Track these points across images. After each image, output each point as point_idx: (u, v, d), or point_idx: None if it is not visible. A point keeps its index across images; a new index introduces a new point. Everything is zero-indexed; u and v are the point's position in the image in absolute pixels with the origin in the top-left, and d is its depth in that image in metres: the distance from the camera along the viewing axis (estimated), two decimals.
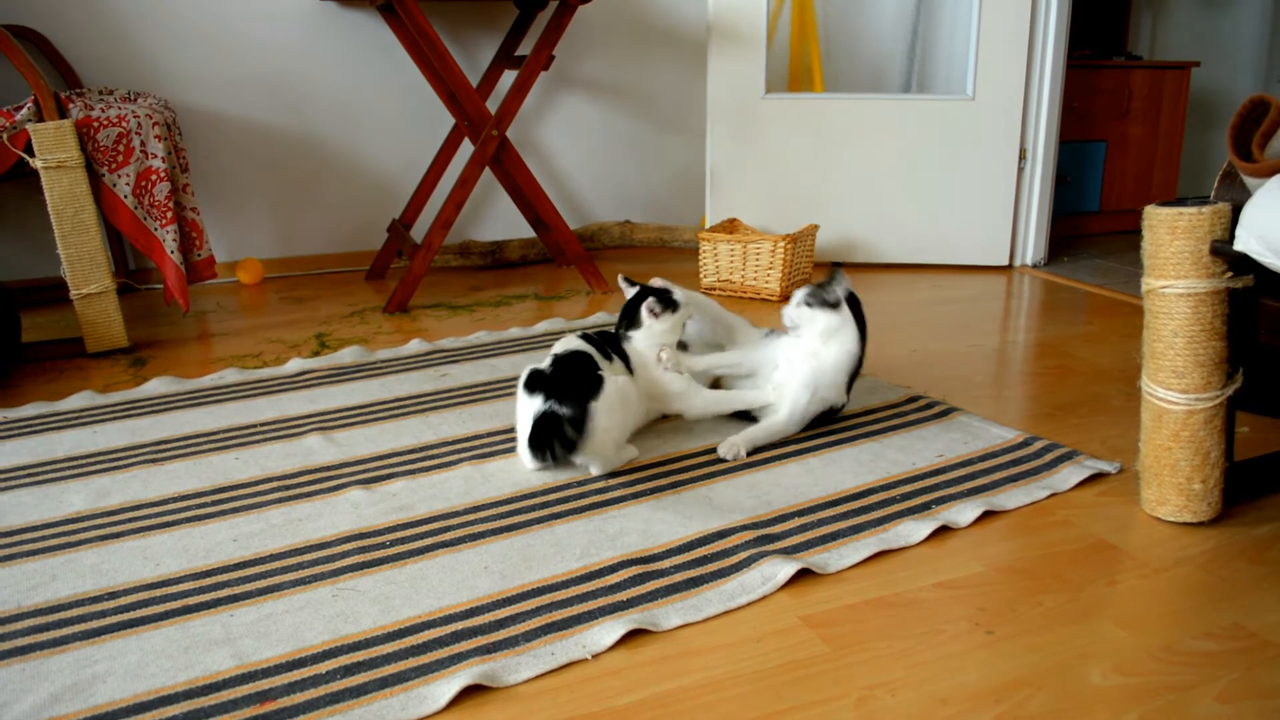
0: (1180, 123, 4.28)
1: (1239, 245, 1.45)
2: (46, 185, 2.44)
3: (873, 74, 4.04)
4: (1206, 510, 1.61)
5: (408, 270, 3.02)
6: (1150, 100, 4.19)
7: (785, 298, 3.11)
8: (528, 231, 3.79)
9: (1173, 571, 1.49)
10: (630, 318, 1.98)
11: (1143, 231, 1.56)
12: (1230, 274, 1.50)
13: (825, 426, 2.02)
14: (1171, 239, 1.51)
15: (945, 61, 3.76)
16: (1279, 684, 1.22)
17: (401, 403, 2.20)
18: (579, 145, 3.91)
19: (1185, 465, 1.58)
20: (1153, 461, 1.62)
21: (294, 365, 2.46)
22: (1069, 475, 1.79)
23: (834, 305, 1.96)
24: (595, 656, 1.28)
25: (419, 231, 3.50)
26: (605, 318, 2.88)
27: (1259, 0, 4.94)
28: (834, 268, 2.02)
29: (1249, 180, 1.53)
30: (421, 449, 1.94)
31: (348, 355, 2.54)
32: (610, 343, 1.94)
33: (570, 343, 1.90)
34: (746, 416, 2.01)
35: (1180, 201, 1.52)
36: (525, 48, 3.47)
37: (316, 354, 2.58)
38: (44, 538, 1.60)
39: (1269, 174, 1.47)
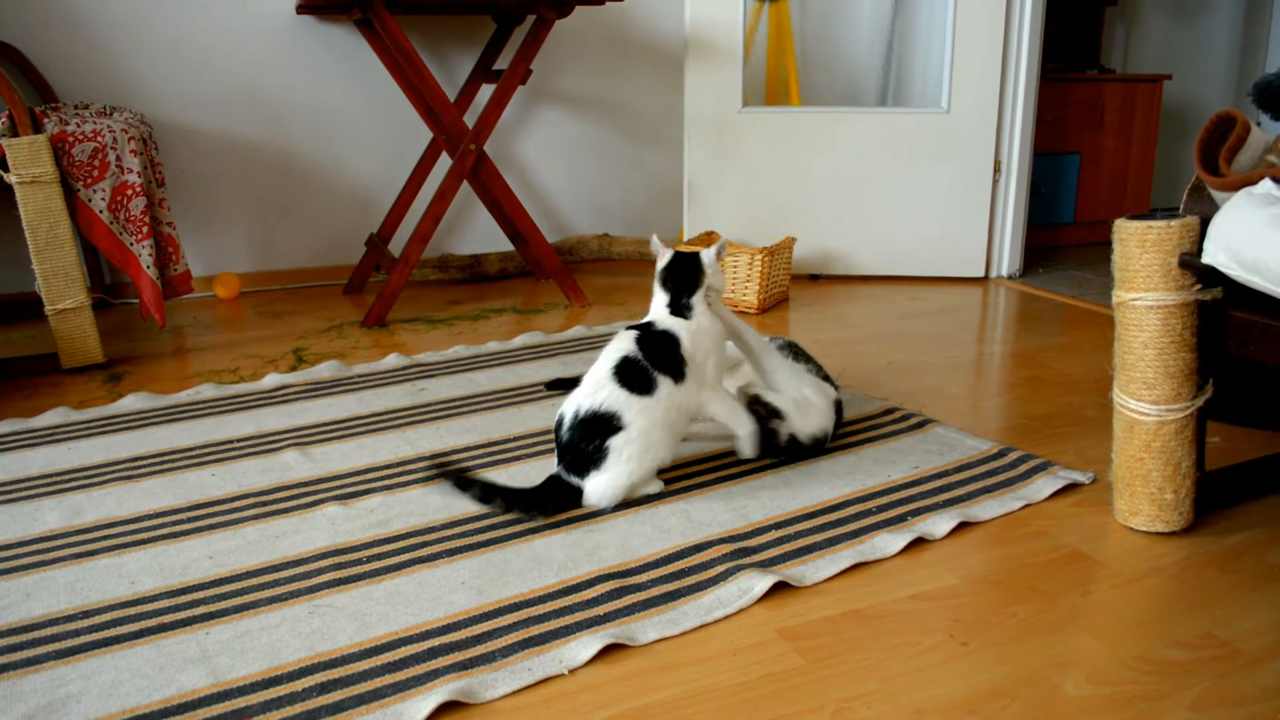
0: (1153, 135, 4.33)
1: (1207, 258, 1.47)
2: (21, 200, 2.43)
3: (849, 87, 4.07)
4: (1178, 520, 1.62)
5: (385, 284, 3.01)
6: (1123, 113, 4.24)
7: (763, 310, 3.13)
8: (506, 245, 3.79)
9: (1145, 581, 1.50)
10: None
11: (1113, 244, 1.58)
12: (1199, 286, 1.52)
13: None
14: (1141, 252, 1.52)
15: (920, 75, 3.79)
16: (1250, 692, 1.24)
17: (379, 418, 2.20)
18: (557, 159, 3.92)
19: (1157, 475, 1.59)
20: (1125, 472, 1.63)
21: (271, 380, 2.45)
22: (1043, 486, 1.80)
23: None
24: (572, 671, 1.29)
25: (397, 245, 3.50)
26: (583, 331, 2.88)
27: (1230, 15, 5.01)
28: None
29: (1216, 194, 1.55)
30: (399, 464, 1.94)
31: (325, 370, 2.53)
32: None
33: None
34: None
35: (1150, 215, 1.54)
36: (503, 62, 3.48)
37: (294, 369, 2.57)
38: (17, 556, 1.59)
39: (1236, 188, 1.49)
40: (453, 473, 1.76)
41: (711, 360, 1.83)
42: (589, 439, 1.70)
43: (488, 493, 1.70)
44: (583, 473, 1.72)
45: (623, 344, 1.78)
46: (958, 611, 1.42)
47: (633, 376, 1.73)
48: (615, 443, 1.70)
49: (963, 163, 3.47)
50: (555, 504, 1.72)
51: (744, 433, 1.87)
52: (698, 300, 1.83)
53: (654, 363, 1.75)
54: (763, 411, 1.90)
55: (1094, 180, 4.27)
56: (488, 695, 1.23)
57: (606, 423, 1.70)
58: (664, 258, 1.89)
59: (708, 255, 1.86)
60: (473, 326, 3.01)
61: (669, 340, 1.78)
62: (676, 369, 1.76)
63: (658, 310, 1.86)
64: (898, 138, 3.48)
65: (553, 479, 1.75)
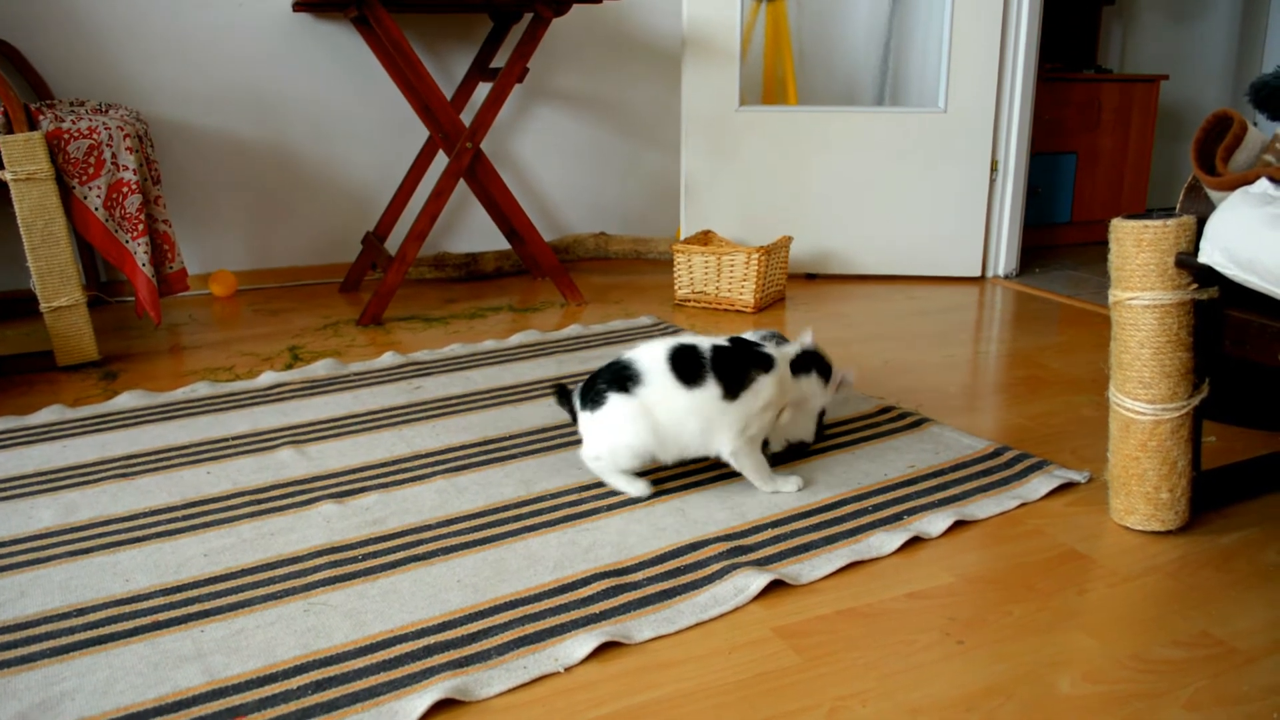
0: (1150, 135, 4.33)
1: (1203, 258, 1.47)
2: (16, 198, 2.42)
3: (846, 86, 4.07)
4: (1174, 519, 1.62)
5: (382, 282, 3.01)
6: (1120, 113, 4.24)
7: (760, 309, 3.13)
8: (503, 243, 3.79)
9: (1141, 580, 1.50)
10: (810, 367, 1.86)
11: (1110, 244, 1.58)
12: (1195, 286, 1.52)
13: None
14: (1137, 251, 1.52)
15: (917, 74, 3.80)
16: (1246, 691, 1.24)
17: (375, 416, 2.19)
18: (554, 157, 3.92)
19: (1153, 475, 1.59)
20: (1121, 471, 1.63)
21: (266, 378, 2.45)
22: (1039, 485, 1.80)
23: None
24: (568, 670, 1.28)
25: (393, 244, 3.50)
26: (580, 330, 2.88)
27: (1226, 15, 5.02)
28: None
29: (1213, 194, 1.55)
30: (394, 462, 1.94)
31: (321, 368, 2.53)
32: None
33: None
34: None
35: (1147, 214, 1.54)
36: (500, 60, 3.48)
37: (289, 367, 2.57)
38: (12, 554, 1.59)
39: (1232, 187, 1.50)
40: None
41: (765, 415, 1.77)
42: (604, 379, 1.74)
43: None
44: (586, 405, 1.77)
45: (701, 339, 1.78)
46: (954, 610, 1.42)
47: (687, 360, 1.73)
48: (613, 397, 1.72)
49: (960, 162, 3.48)
50: (560, 399, 1.86)
51: (767, 489, 1.80)
52: (806, 383, 1.83)
53: (716, 366, 1.72)
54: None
55: (1091, 180, 4.28)
56: (483, 693, 1.23)
57: (623, 378, 1.72)
58: (805, 339, 1.90)
59: (840, 374, 1.89)
60: (469, 325, 3.01)
61: (760, 359, 1.76)
62: (736, 383, 1.73)
63: (787, 349, 1.84)
64: (895, 137, 3.48)
65: (566, 389, 1.85)
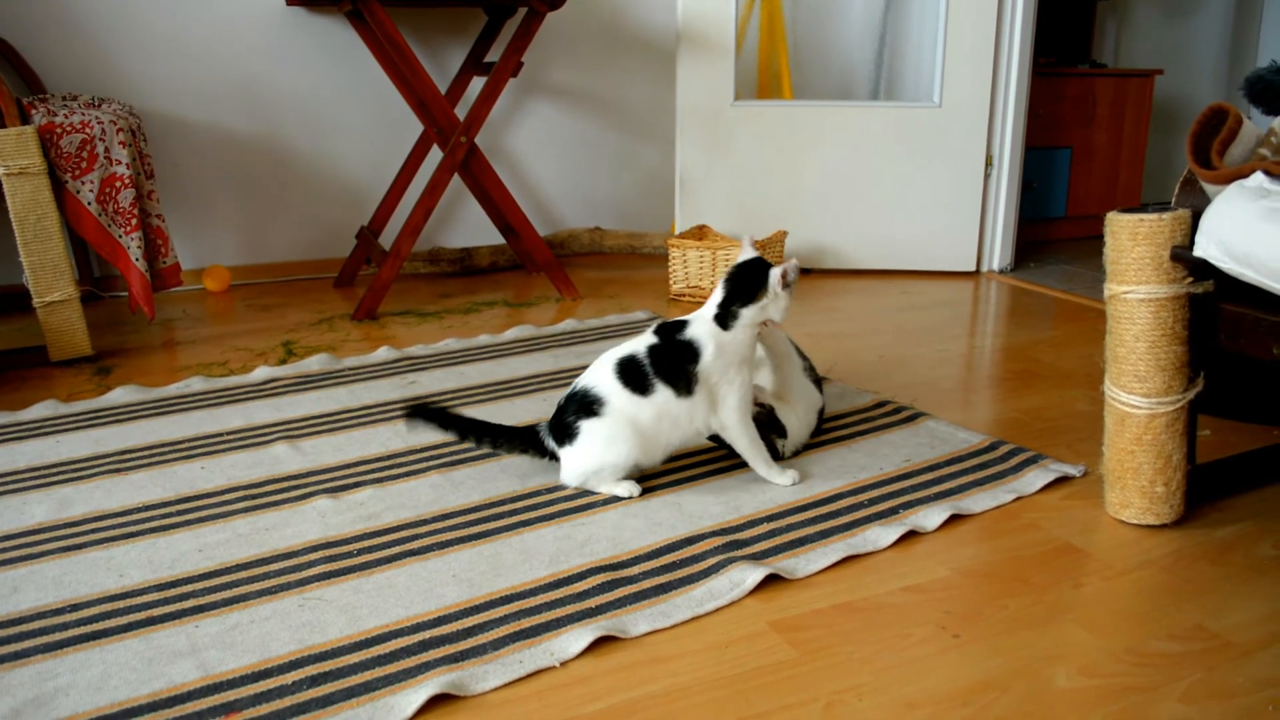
0: (1144, 129, 4.33)
1: (1199, 251, 1.47)
2: (8, 192, 2.41)
3: (841, 81, 4.06)
4: (1169, 513, 1.62)
5: (376, 277, 3.00)
6: (1115, 107, 4.24)
7: None
8: (497, 238, 3.78)
9: (1136, 574, 1.50)
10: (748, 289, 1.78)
11: (1105, 237, 1.58)
12: (1191, 279, 1.52)
13: None
14: (1133, 245, 1.52)
15: (913, 69, 3.79)
16: (1241, 684, 1.24)
17: (369, 410, 2.19)
18: (549, 152, 3.91)
19: (1148, 468, 1.60)
20: (1116, 465, 1.63)
21: (261, 373, 2.44)
22: (1034, 479, 1.80)
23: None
24: (563, 664, 1.28)
25: (388, 238, 3.49)
26: (574, 324, 2.88)
27: (1221, 10, 5.02)
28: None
29: (1208, 187, 1.55)
30: (389, 457, 1.93)
31: (315, 363, 2.52)
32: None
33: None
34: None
35: (1142, 208, 1.54)
36: (494, 54, 3.46)
37: (284, 362, 2.56)
38: (5, 549, 1.58)
39: (1227, 181, 1.49)
40: (430, 411, 1.80)
41: (734, 382, 1.75)
42: (571, 412, 1.75)
43: (465, 429, 1.81)
44: (559, 441, 1.78)
45: (637, 344, 1.78)
46: (949, 604, 1.42)
47: (633, 373, 1.74)
48: (586, 425, 1.73)
49: (955, 157, 3.47)
50: (520, 447, 1.83)
51: (762, 471, 1.80)
52: (747, 314, 1.76)
53: (658, 370, 1.73)
54: (771, 428, 1.88)
55: (1085, 175, 4.28)
56: (479, 688, 1.23)
57: (589, 405, 1.73)
58: (741, 256, 1.85)
59: (775, 274, 1.76)
60: (463, 320, 3.00)
61: (687, 351, 1.74)
62: (683, 381, 1.74)
63: (704, 311, 1.80)
64: (890, 132, 3.48)
65: (533, 428, 1.82)
